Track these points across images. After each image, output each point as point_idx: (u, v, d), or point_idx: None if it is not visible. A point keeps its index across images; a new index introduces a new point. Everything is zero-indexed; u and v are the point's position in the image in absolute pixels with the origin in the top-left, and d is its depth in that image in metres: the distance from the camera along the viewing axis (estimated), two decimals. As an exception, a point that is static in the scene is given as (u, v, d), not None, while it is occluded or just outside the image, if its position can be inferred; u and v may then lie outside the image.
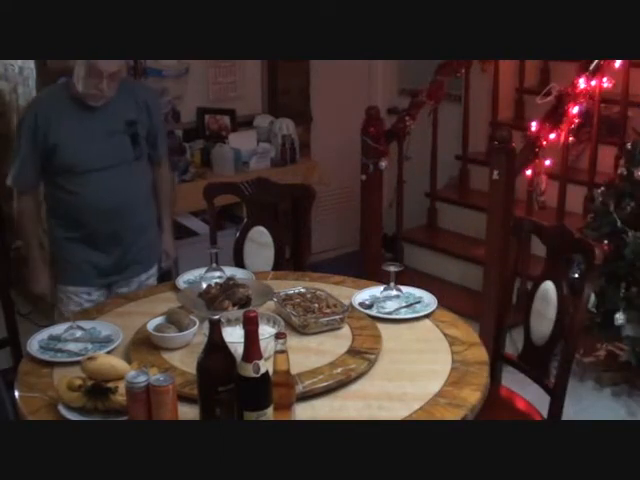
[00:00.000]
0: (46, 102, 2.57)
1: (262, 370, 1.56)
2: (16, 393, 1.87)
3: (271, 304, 2.26)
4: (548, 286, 2.35)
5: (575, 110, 3.65)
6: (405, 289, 2.40)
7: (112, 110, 2.54)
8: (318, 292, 2.29)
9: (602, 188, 3.51)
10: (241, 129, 4.35)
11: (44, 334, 2.13)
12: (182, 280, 2.52)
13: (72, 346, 2.07)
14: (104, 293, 2.68)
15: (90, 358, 1.78)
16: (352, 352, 2.01)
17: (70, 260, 2.64)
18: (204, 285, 2.31)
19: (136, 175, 2.65)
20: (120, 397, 1.69)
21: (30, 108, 2.59)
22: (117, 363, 1.78)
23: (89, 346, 2.06)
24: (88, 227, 2.58)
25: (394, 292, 2.35)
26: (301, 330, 2.11)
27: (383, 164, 4.00)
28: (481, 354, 2.06)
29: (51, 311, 2.78)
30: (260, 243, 2.93)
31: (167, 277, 3.00)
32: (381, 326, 2.18)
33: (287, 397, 1.63)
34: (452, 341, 2.13)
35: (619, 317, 3.22)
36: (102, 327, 2.17)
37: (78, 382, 1.73)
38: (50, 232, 2.69)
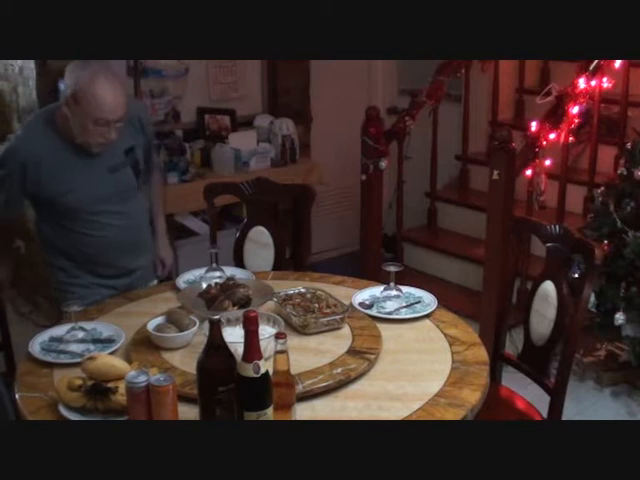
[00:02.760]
0: (34, 151, 2.35)
1: (262, 370, 1.56)
2: (16, 393, 1.87)
3: (271, 304, 2.26)
4: (548, 286, 2.35)
5: (575, 110, 3.65)
6: (405, 289, 2.40)
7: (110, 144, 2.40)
8: (318, 292, 2.29)
9: (602, 188, 3.51)
10: (241, 129, 4.35)
11: (45, 335, 2.13)
12: (182, 280, 2.52)
13: (74, 347, 2.07)
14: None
15: (90, 358, 1.78)
16: (352, 352, 2.01)
17: (82, 284, 2.53)
18: (204, 285, 2.31)
19: (140, 204, 2.60)
20: (120, 397, 1.69)
21: (13, 158, 2.36)
22: (117, 363, 1.78)
23: (91, 347, 2.06)
24: (97, 262, 2.51)
25: (394, 292, 2.35)
26: (301, 330, 2.11)
27: (383, 164, 4.00)
28: (481, 354, 2.06)
29: (51, 311, 2.75)
30: (260, 243, 2.93)
31: (168, 278, 3.00)
32: (381, 326, 2.18)
33: (287, 397, 1.63)
34: (452, 341, 2.13)
35: (619, 317, 3.23)
36: (103, 327, 2.17)
37: (78, 382, 1.73)
38: (52, 265, 2.56)
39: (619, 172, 3.41)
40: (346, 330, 2.14)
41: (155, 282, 2.74)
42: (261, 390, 1.57)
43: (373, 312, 2.27)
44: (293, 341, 1.96)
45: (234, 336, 1.90)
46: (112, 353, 1.99)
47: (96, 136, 2.31)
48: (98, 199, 2.43)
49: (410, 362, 2.02)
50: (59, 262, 2.53)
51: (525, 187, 3.82)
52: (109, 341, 2.09)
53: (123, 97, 2.30)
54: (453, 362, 2.01)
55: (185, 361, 1.95)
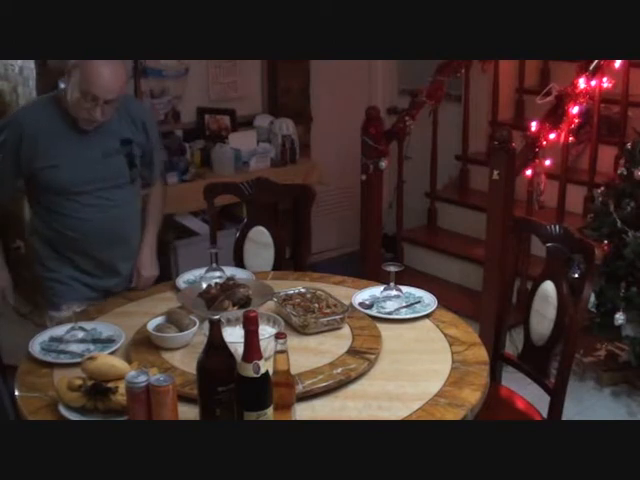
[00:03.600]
0: (34, 123, 2.36)
1: (262, 370, 1.56)
2: (16, 393, 1.87)
3: (271, 304, 2.26)
4: (548, 286, 2.35)
5: (575, 110, 3.65)
6: (405, 289, 2.40)
7: (107, 128, 2.41)
8: (318, 292, 2.30)
9: (602, 188, 3.51)
10: (241, 129, 4.35)
11: (45, 335, 2.13)
12: (182, 280, 2.52)
13: (74, 347, 2.07)
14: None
15: (90, 358, 1.78)
16: (352, 352, 2.01)
17: (60, 280, 2.50)
18: (204, 285, 2.31)
19: (130, 197, 2.54)
20: (120, 397, 1.69)
21: (12, 125, 2.39)
22: (117, 363, 1.78)
23: (91, 347, 2.06)
24: (78, 249, 2.47)
25: (394, 292, 2.35)
26: (301, 330, 2.11)
27: (383, 164, 4.00)
28: (481, 354, 2.06)
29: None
30: (260, 243, 2.93)
31: (167, 278, 2.99)
32: (381, 326, 2.18)
33: (287, 397, 1.63)
34: (452, 341, 2.13)
35: (619, 317, 3.22)
36: (103, 327, 2.17)
37: (78, 382, 1.73)
38: (35, 253, 2.53)
39: (619, 172, 3.40)
40: (346, 330, 2.14)
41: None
42: (261, 390, 1.57)
43: (373, 312, 2.27)
44: (293, 341, 1.96)
45: (234, 336, 1.90)
46: (112, 353, 1.99)
47: (82, 110, 2.30)
48: (86, 178, 2.40)
49: (410, 362, 2.02)
50: (42, 251, 2.50)
51: (525, 187, 3.81)
52: (109, 341, 2.09)
53: (119, 81, 2.30)
54: (453, 362, 2.01)
55: (185, 361, 1.95)
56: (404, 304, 2.33)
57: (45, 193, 2.42)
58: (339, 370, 1.91)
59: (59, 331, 2.14)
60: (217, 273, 2.46)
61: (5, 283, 2.54)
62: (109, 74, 2.25)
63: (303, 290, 2.32)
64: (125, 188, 2.51)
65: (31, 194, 2.51)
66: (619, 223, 3.26)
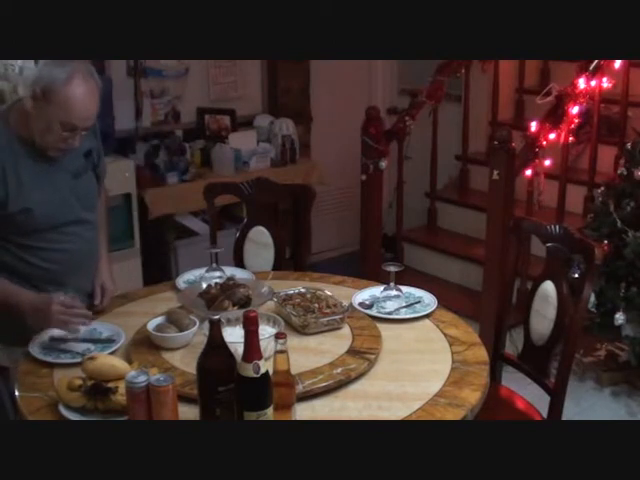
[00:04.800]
0: None
1: (262, 370, 1.56)
2: (16, 393, 1.87)
3: (271, 304, 2.26)
4: (548, 286, 2.35)
5: (575, 110, 3.65)
6: (405, 289, 2.40)
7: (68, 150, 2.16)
8: (318, 292, 2.29)
9: (602, 188, 3.51)
10: (241, 129, 4.36)
11: (45, 335, 2.12)
12: (182, 280, 2.52)
13: (74, 347, 2.06)
14: None
15: (90, 358, 1.78)
16: (352, 352, 2.01)
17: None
18: (204, 285, 2.31)
19: (98, 213, 2.35)
20: (120, 397, 1.69)
21: None
22: (117, 363, 1.78)
23: (91, 347, 2.06)
24: (52, 280, 2.19)
25: (394, 292, 2.35)
26: (301, 330, 2.11)
27: (383, 164, 4.00)
28: (481, 354, 2.06)
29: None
30: (260, 243, 2.93)
31: (167, 278, 2.99)
32: (381, 326, 2.18)
33: (287, 397, 1.63)
34: (452, 341, 2.13)
35: (619, 317, 3.23)
36: (103, 327, 2.17)
37: (78, 382, 1.73)
38: None
39: (619, 172, 3.41)
40: (346, 330, 2.14)
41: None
42: (261, 390, 1.57)
43: (373, 312, 2.27)
44: (293, 341, 1.96)
45: (234, 336, 1.90)
46: (112, 353, 1.99)
47: (58, 140, 2.08)
48: (64, 211, 2.18)
49: (410, 362, 2.02)
50: None
51: (525, 187, 3.82)
52: (109, 341, 2.09)
53: (96, 105, 2.09)
54: (453, 362, 2.01)
55: (185, 361, 1.95)
56: (404, 304, 2.33)
57: (17, 233, 2.15)
58: (339, 370, 1.91)
59: (59, 331, 2.14)
60: (217, 273, 2.46)
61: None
62: (87, 101, 2.05)
63: (303, 290, 2.31)
64: (96, 205, 2.34)
65: None
66: (619, 223, 3.26)
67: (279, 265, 2.91)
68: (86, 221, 2.27)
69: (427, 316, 2.27)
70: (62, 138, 2.08)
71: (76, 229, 2.24)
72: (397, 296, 2.35)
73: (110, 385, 1.71)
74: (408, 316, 2.26)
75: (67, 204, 2.20)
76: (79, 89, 2.02)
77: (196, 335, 2.03)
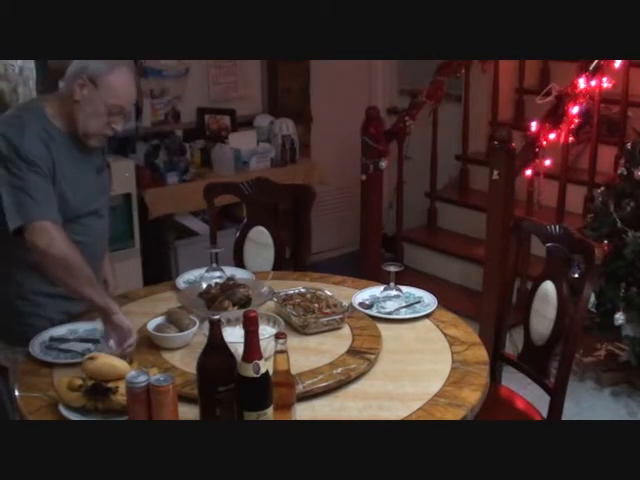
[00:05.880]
0: (45, 136, 2.12)
1: (262, 370, 1.56)
2: (16, 393, 1.87)
3: (271, 304, 2.26)
4: (548, 286, 2.35)
5: (575, 110, 3.65)
6: (405, 289, 2.40)
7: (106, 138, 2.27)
8: (318, 292, 2.29)
9: (602, 188, 3.51)
10: (241, 129, 4.36)
11: (45, 335, 2.12)
12: (182, 280, 2.52)
13: (74, 347, 2.06)
14: None
15: (90, 358, 1.78)
16: (352, 352, 2.01)
17: (41, 314, 2.22)
18: (204, 285, 2.31)
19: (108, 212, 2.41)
20: (120, 397, 1.69)
21: (30, 137, 2.08)
22: (117, 363, 1.78)
23: (91, 347, 2.06)
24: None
25: (394, 292, 2.35)
26: (301, 330, 2.11)
27: (383, 164, 4.01)
28: (481, 354, 2.06)
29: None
30: (260, 243, 2.93)
31: (167, 277, 2.99)
32: (381, 326, 2.18)
33: (287, 397, 1.63)
34: (452, 341, 2.13)
35: (619, 317, 3.23)
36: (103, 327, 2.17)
37: (78, 382, 1.73)
38: (19, 286, 2.20)
39: (619, 172, 3.41)
40: (346, 330, 2.14)
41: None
42: (261, 390, 1.57)
43: (373, 312, 2.27)
44: (293, 341, 1.96)
45: (234, 336, 1.90)
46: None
47: (104, 125, 2.16)
48: (89, 201, 2.26)
49: (410, 362, 2.02)
50: (27, 283, 2.20)
51: (525, 187, 3.82)
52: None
53: (135, 92, 2.23)
54: (453, 362, 2.01)
55: (185, 361, 1.95)
56: (404, 304, 2.33)
57: None
58: (339, 370, 1.91)
59: (59, 331, 2.14)
60: (217, 273, 2.46)
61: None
62: (130, 84, 2.18)
63: (303, 290, 2.31)
64: (108, 201, 2.41)
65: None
66: (619, 223, 3.26)
67: (279, 265, 2.91)
68: (101, 215, 2.34)
69: (427, 316, 2.27)
70: (107, 122, 2.17)
71: (92, 221, 2.29)
72: (397, 296, 2.35)
73: (110, 385, 1.71)
74: (408, 316, 2.27)
75: (92, 196, 2.28)
76: (123, 75, 2.16)
77: (196, 335, 2.03)
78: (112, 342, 2.01)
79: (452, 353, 2.06)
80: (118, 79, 2.14)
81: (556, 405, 2.25)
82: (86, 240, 2.24)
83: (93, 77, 2.12)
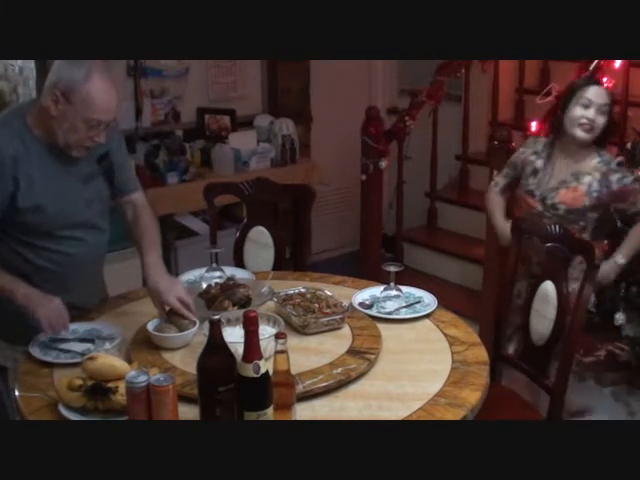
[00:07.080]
0: (10, 149, 2.06)
1: (262, 370, 1.56)
2: (16, 393, 1.87)
3: (271, 304, 2.26)
4: (548, 286, 2.35)
5: (575, 110, 3.64)
6: (405, 289, 2.40)
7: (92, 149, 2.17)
8: (318, 292, 2.29)
9: (602, 188, 3.50)
10: (241, 129, 4.35)
11: (44, 336, 2.12)
12: (182, 280, 2.51)
13: (74, 347, 2.06)
14: None
15: (90, 358, 1.78)
16: (352, 352, 2.01)
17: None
18: (204, 285, 2.31)
19: (107, 225, 2.34)
20: (120, 397, 1.69)
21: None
22: (117, 363, 1.78)
23: (91, 347, 2.06)
24: (58, 285, 2.17)
25: (394, 292, 2.35)
26: (301, 330, 2.11)
27: (383, 164, 4.01)
28: (481, 354, 2.06)
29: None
30: (260, 243, 2.93)
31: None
32: (381, 326, 2.18)
33: (287, 397, 1.63)
34: (452, 341, 2.13)
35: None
36: (103, 327, 2.17)
37: (78, 382, 1.73)
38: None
39: (619, 172, 3.40)
40: (346, 330, 2.14)
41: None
42: (261, 390, 1.57)
43: (373, 312, 2.27)
44: (293, 341, 1.96)
45: (234, 336, 1.90)
46: (112, 348, 1.99)
47: (84, 139, 2.08)
48: (74, 211, 2.18)
49: (410, 362, 2.02)
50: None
51: (525, 187, 3.81)
52: (109, 340, 2.08)
53: (116, 99, 2.11)
54: (453, 362, 2.01)
55: (185, 361, 1.95)
56: (404, 304, 2.33)
57: (24, 232, 2.14)
58: (339, 370, 1.91)
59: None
60: (217, 273, 2.46)
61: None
62: (107, 95, 2.06)
63: (303, 290, 2.31)
64: (107, 212, 2.34)
65: (4, 234, 2.16)
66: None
67: (279, 265, 2.91)
68: (93, 226, 2.25)
69: (427, 316, 2.27)
70: (87, 136, 2.08)
71: (81, 234, 2.22)
72: (397, 296, 2.35)
73: (110, 385, 1.71)
74: (408, 316, 2.26)
75: (76, 207, 2.19)
76: (98, 85, 2.04)
77: (196, 335, 2.03)
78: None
79: (452, 353, 2.06)
80: (94, 89, 2.03)
81: (556, 405, 2.25)
82: (74, 252, 2.20)
83: (67, 91, 2.02)
